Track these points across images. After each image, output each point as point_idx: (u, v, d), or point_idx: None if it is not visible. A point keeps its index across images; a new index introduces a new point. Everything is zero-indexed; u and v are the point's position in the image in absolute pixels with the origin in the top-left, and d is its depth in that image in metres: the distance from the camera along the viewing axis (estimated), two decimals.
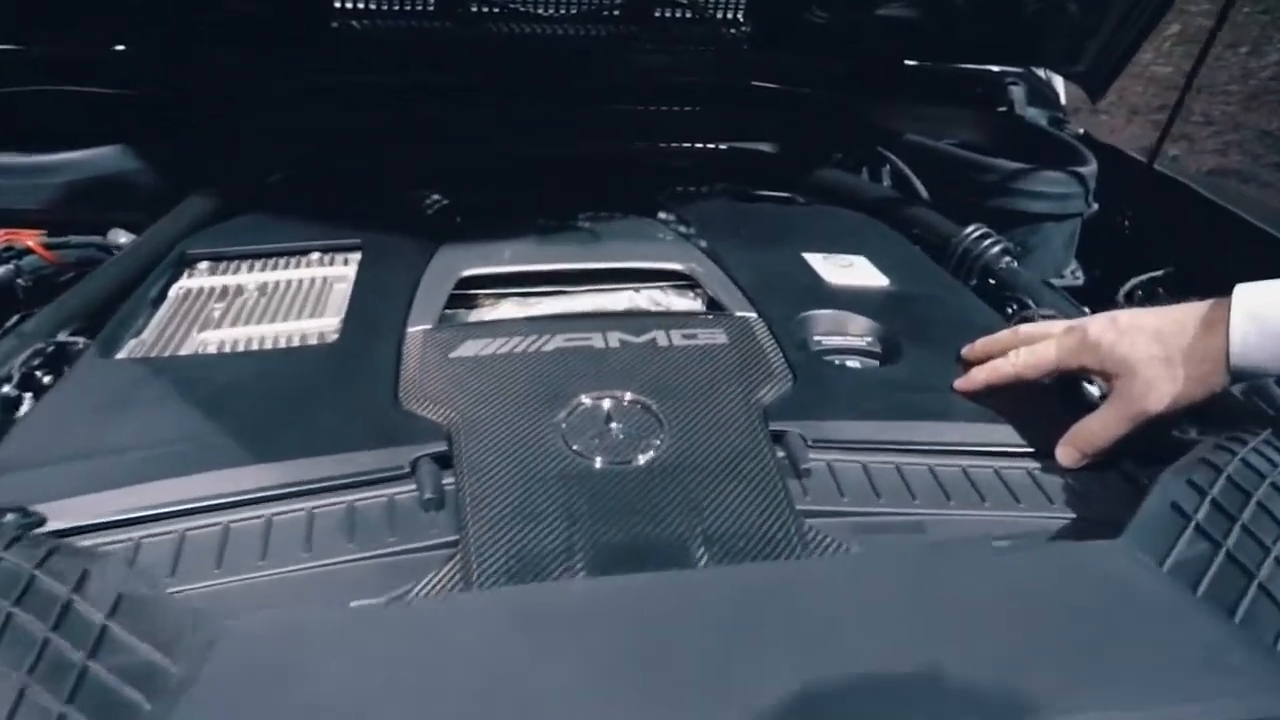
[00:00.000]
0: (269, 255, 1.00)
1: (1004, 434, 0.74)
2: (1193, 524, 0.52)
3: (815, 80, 1.50)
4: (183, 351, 0.81)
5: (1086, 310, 1.09)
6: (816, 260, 1.01)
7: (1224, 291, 0.85)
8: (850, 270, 1.00)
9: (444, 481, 0.65)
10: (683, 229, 1.10)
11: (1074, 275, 1.29)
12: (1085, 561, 0.51)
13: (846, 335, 0.87)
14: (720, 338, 0.82)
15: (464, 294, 0.94)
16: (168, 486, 0.62)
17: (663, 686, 0.43)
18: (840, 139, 1.47)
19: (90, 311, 0.90)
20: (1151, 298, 1.12)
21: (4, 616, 0.39)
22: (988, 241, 1.14)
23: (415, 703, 0.43)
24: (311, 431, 0.68)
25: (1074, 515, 0.67)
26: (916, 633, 0.45)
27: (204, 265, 0.98)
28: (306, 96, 1.31)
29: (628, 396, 0.73)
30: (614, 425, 0.70)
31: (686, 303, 0.97)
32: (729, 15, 1.41)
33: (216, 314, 0.88)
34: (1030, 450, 0.73)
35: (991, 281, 1.12)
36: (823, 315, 0.88)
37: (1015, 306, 1.06)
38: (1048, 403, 0.76)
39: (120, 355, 0.81)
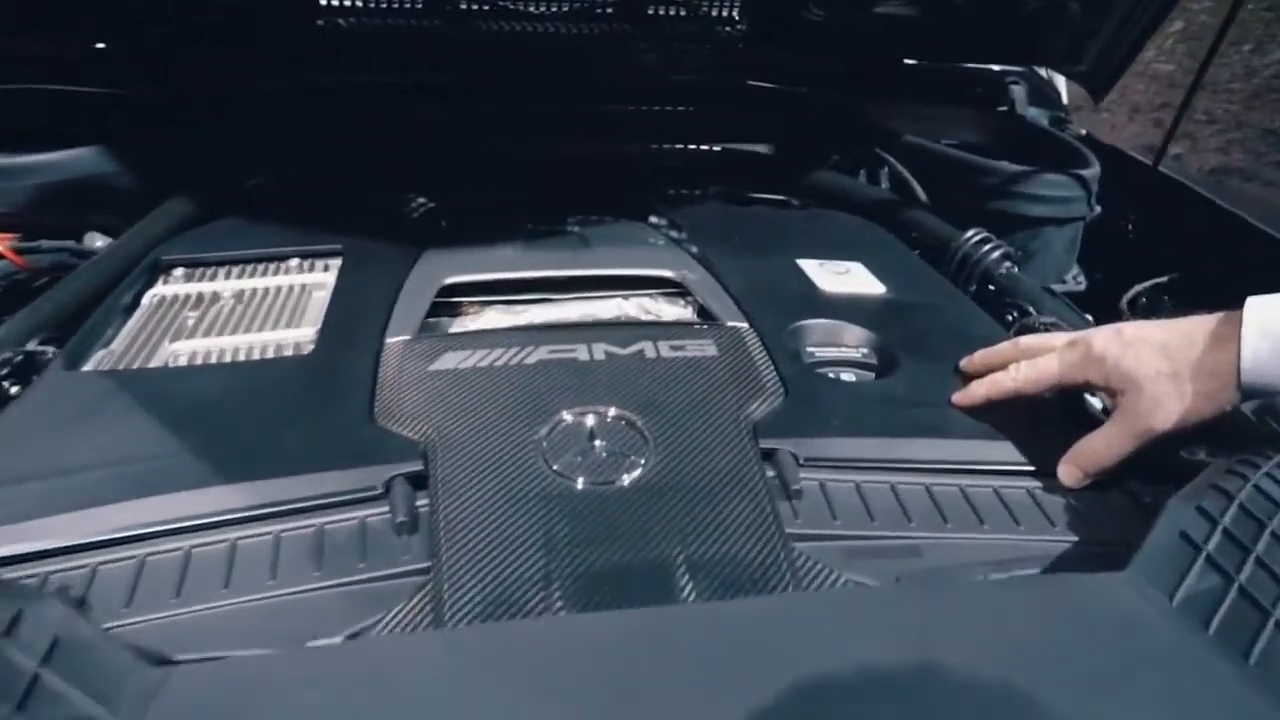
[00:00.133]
0: (247, 261, 0.97)
1: (1003, 451, 0.71)
2: (1203, 555, 0.49)
3: (812, 79, 1.46)
4: (152, 363, 0.79)
5: (1089, 318, 1.06)
6: (811, 267, 0.98)
7: (1231, 299, 0.82)
8: (846, 277, 0.97)
9: (418, 503, 0.63)
10: (674, 233, 1.07)
11: (1076, 280, 1.26)
12: (1090, 597, 0.48)
13: (841, 346, 0.84)
14: (710, 349, 0.79)
15: (447, 302, 0.91)
16: (127, 509, 0.59)
17: None
18: (837, 140, 1.44)
19: (62, 319, 0.87)
20: (1156, 305, 1.09)
21: None
22: (988, 246, 1.11)
23: None
24: (281, 450, 0.65)
25: (1076, 538, 0.64)
26: (911, 678, 0.42)
27: (179, 272, 0.95)
28: (290, 96, 1.28)
29: (611, 412, 0.70)
30: (597, 443, 0.67)
31: (677, 310, 0.94)
32: (724, 13, 1.37)
33: (190, 323, 0.85)
34: (1031, 469, 0.70)
35: (991, 288, 1.09)
36: (817, 325, 0.85)
37: (1015, 314, 1.04)
38: (1049, 419, 0.73)
39: (87, 367, 0.78)
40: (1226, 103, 4.10)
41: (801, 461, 0.68)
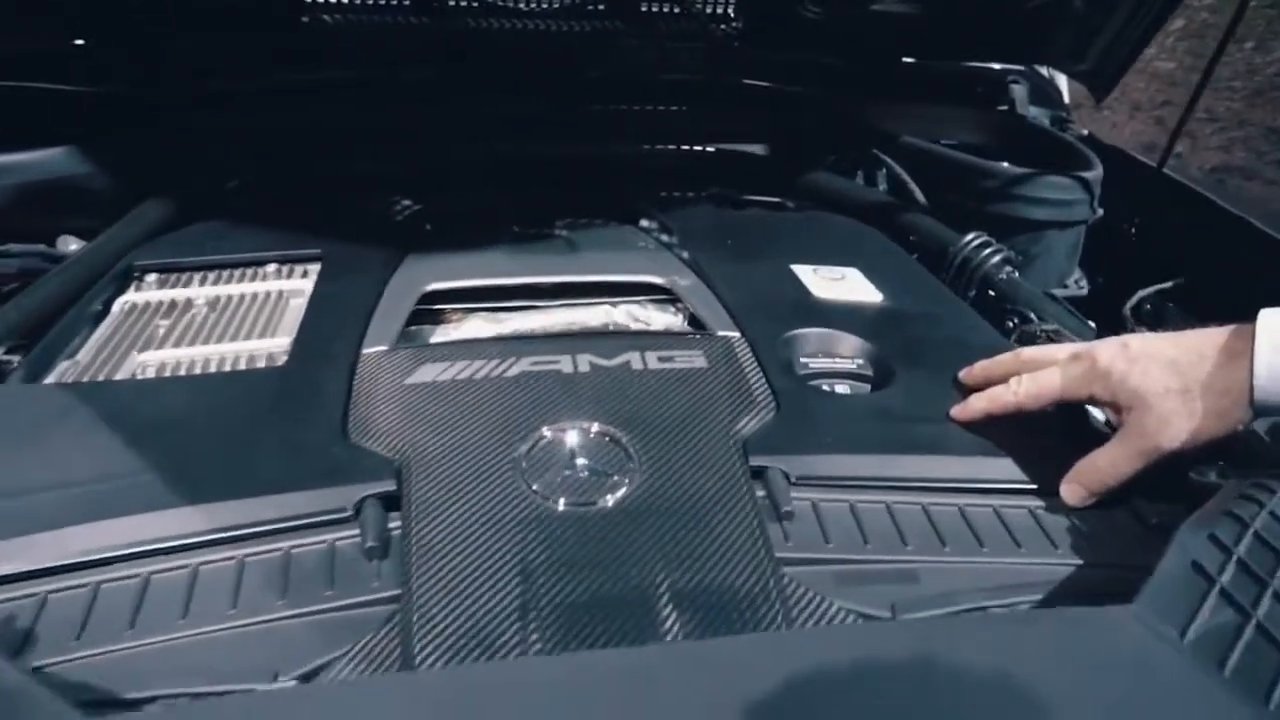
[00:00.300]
0: (223, 266, 0.94)
1: (1004, 469, 0.68)
2: (1217, 588, 0.46)
3: (808, 78, 1.43)
4: (118, 375, 0.75)
5: (1091, 325, 1.03)
6: (806, 273, 0.95)
7: (1238, 306, 0.78)
8: (841, 284, 0.94)
9: (390, 526, 0.60)
10: (665, 237, 1.04)
11: (1078, 285, 1.23)
12: (1097, 633, 0.45)
13: (835, 357, 0.81)
14: (699, 361, 0.76)
15: (429, 309, 0.88)
16: (82, 533, 0.56)
17: None
18: (834, 140, 1.40)
19: (30, 326, 0.84)
20: (1160, 312, 1.06)
21: None
22: (988, 251, 1.08)
23: None
24: (248, 468, 0.62)
25: (1080, 562, 0.61)
26: None
27: (152, 278, 0.92)
28: (273, 95, 1.24)
29: (595, 428, 0.67)
30: (579, 461, 0.64)
31: (667, 318, 0.91)
32: (719, 10, 1.34)
33: (161, 332, 0.82)
34: (1032, 487, 0.67)
35: (991, 293, 1.06)
36: (810, 335, 0.82)
37: (1016, 320, 1.01)
38: (1051, 434, 0.70)
39: (49, 379, 0.75)
40: (1228, 100, 4.07)
41: (793, 480, 0.65)
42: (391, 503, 0.61)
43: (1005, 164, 1.26)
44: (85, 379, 0.75)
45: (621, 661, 0.46)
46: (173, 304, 0.87)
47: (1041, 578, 0.60)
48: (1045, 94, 1.61)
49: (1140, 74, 4.09)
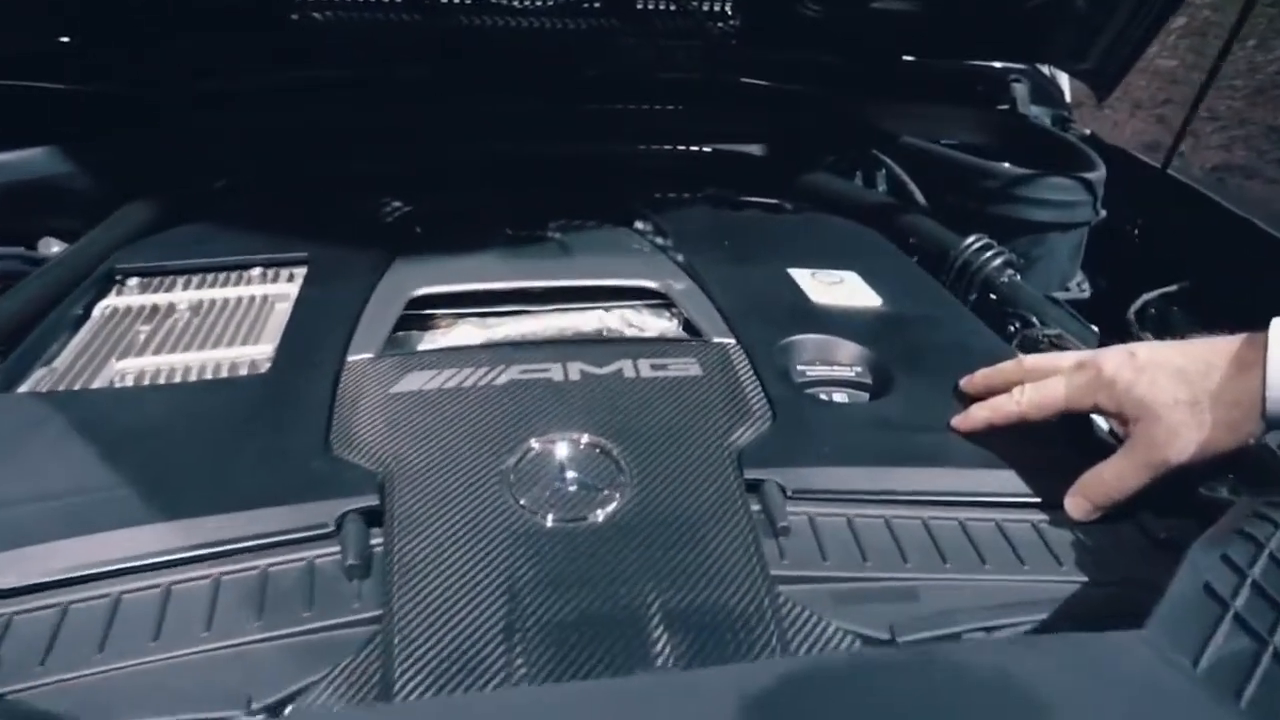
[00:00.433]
0: (207, 270, 0.91)
1: (1006, 482, 0.66)
2: (1231, 613, 0.44)
3: (807, 77, 1.41)
4: (96, 383, 0.73)
5: (1094, 329, 1.01)
6: (803, 277, 0.93)
7: (1244, 310, 0.76)
8: (839, 288, 0.92)
9: (372, 543, 0.58)
10: (660, 239, 1.02)
11: (1080, 288, 1.21)
12: (1106, 661, 0.43)
13: (833, 364, 0.79)
14: (693, 368, 0.74)
15: (417, 314, 0.86)
16: (50, 551, 0.54)
17: None
18: (833, 140, 1.38)
19: (9, 331, 0.82)
20: (1165, 316, 1.04)
21: None
22: (989, 253, 1.06)
23: None
24: (226, 483, 0.60)
25: (1085, 579, 0.59)
26: None
27: (134, 281, 0.90)
28: (261, 93, 1.22)
29: (585, 440, 0.65)
30: (569, 474, 0.62)
31: (662, 323, 0.89)
32: (716, 8, 1.32)
33: (141, 338, 0.80)
34: (1035, 501, 0.65)
35: (992, 296, 1.04)
36: (808, 341, 0.80)
37: (1017, 324, 0.99)
38: (1055, 445, 0.68)
39: (24, 387, 0.73)
40: (1229, 99, 4.05)
41: (789, 494, 0.63)
42: (374, 518, 0.59)
43: (1006, 165, 1.24)
44: (61, 387, 0.73)
45: (611, 692, 0.44)
46: (154, 309, 0.85)
47: (1045, 596, 0.58)
48: (1047, 93, 1.59)
49: (1141, 72, 4.07)
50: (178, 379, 0.74)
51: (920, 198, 1.22)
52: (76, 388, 0.73)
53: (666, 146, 1.32)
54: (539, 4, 1.28)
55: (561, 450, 0.64)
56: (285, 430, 0.66)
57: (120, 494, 0.58)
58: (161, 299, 0.86)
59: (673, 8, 1.31)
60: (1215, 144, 3.87)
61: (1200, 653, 0.43)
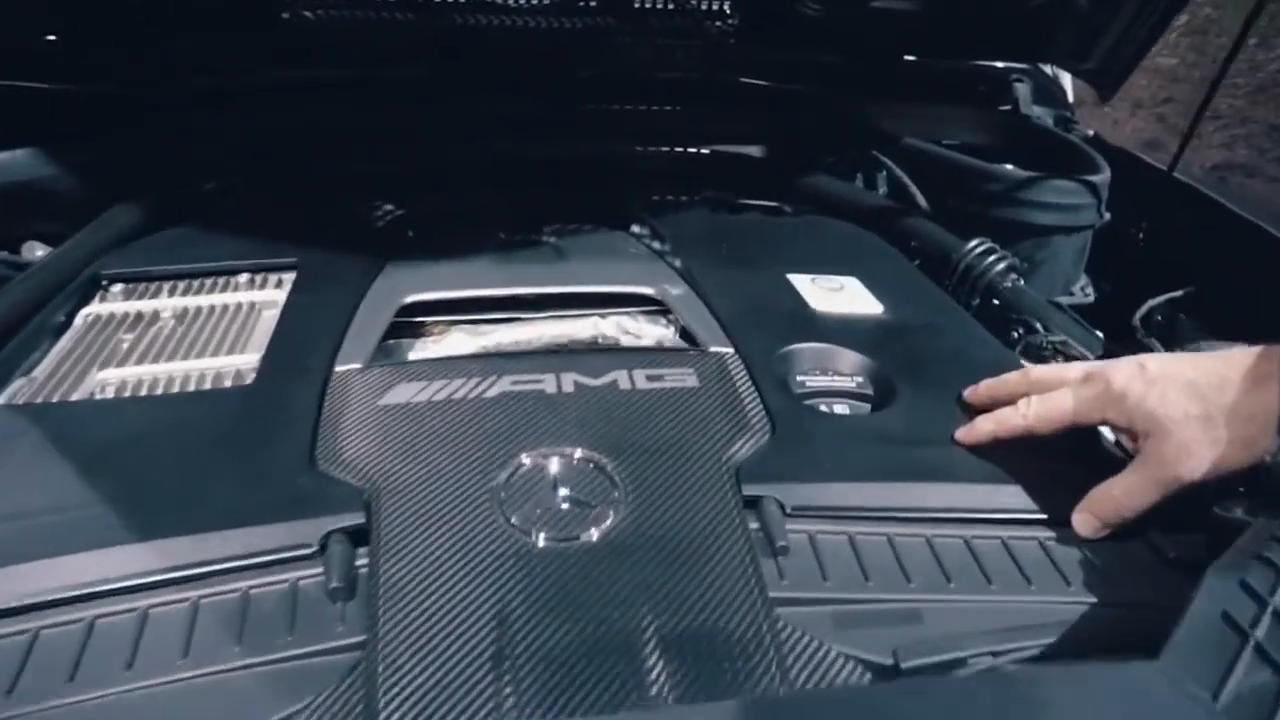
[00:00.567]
0: (194, 276, 0.89)
1: (1012, 498, 0.64)
2: (1252, 644, 0.42)
3: (807, 77, 1.39)
4: (76, 395, 0.71)
5: (1099, 334, 1.00)
6: (803, 283, 0.91)
7: (1252, 318, 0.74)
8: (840, 294, 0.90)
9: (358, 564, 0.56)
10: (657, 244, 1.00)
11: (1084, 292, 1.19)
12: (1121, 694, 0.41)
13: (834, 374, 0.77)
14: (690, 379, 0.72)
15: (408, 322, 0.84)
16: (20, 574, 0.52)
17: None
18: (833, 141, 1.36)
19: None
20: (1172, 323, 1.02)
21: None
22: (992, 258, 1.04)
23: None
24: (206, 500, 0.58)
25: (1094, 599, 0.57)
26: None
27: (119, 288, 0.88)
28: (251, 94, 1.20)
29: (578, 455, 0.63)
30: (561, 491, 0.60)
31: (658, 330, 0.87)
32: (714, 7, 1.30)
33: (124, 347, 0.78)
34: (1042, 517, 0.63)
35: (995, 302, 1.02)
36: (807, 350, 0.78)
37: (1021, 330, 0.98)
38: (1062, 459, 0.67)
39: (1, 398, 0.71)
40: (1230, 98, 4.02)
41: (789, 511, 0.61)
42: (360, 537, 0.57)
43: (1009, 166, 1.22)
44: (40, 398, 0.71)
45: None
46: (139, 316, 0.83)
47: (1053, 618, 0.56)
48: (1049, 93, 1.57)
49: (1142, 70, 4.02)
50: (160, 390, 0.72)
51: (921, 200, 1.20)
52: (56, 399, 0.70)
53: (664, 148, 1.29)
54: (534, 3, 1.26)
55: (554, 466, 0.62)
56: (269, 445, 0.64)
57: (95, 513, 0.56)
58: (146, 306, 0.84)
59: (670, 6, 1.29)
60: (1217, 143, 3.84)
61: (1220, 686, 0.41)
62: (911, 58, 1.41)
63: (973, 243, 1.05)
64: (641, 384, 0.71)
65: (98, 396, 0.71)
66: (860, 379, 0.77)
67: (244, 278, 0.89)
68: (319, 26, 1.22)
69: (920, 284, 0.98)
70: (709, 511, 0.59)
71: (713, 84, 1.36)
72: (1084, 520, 0.61)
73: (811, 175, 1.24)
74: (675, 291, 0.87)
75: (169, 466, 0.61)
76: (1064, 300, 1.17)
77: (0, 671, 0.48)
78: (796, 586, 0.56)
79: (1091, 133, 1.43)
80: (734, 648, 0.51)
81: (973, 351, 0.83)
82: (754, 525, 0.60)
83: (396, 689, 0.47)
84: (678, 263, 0.94)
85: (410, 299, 0.83)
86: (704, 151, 1.31)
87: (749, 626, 0.52)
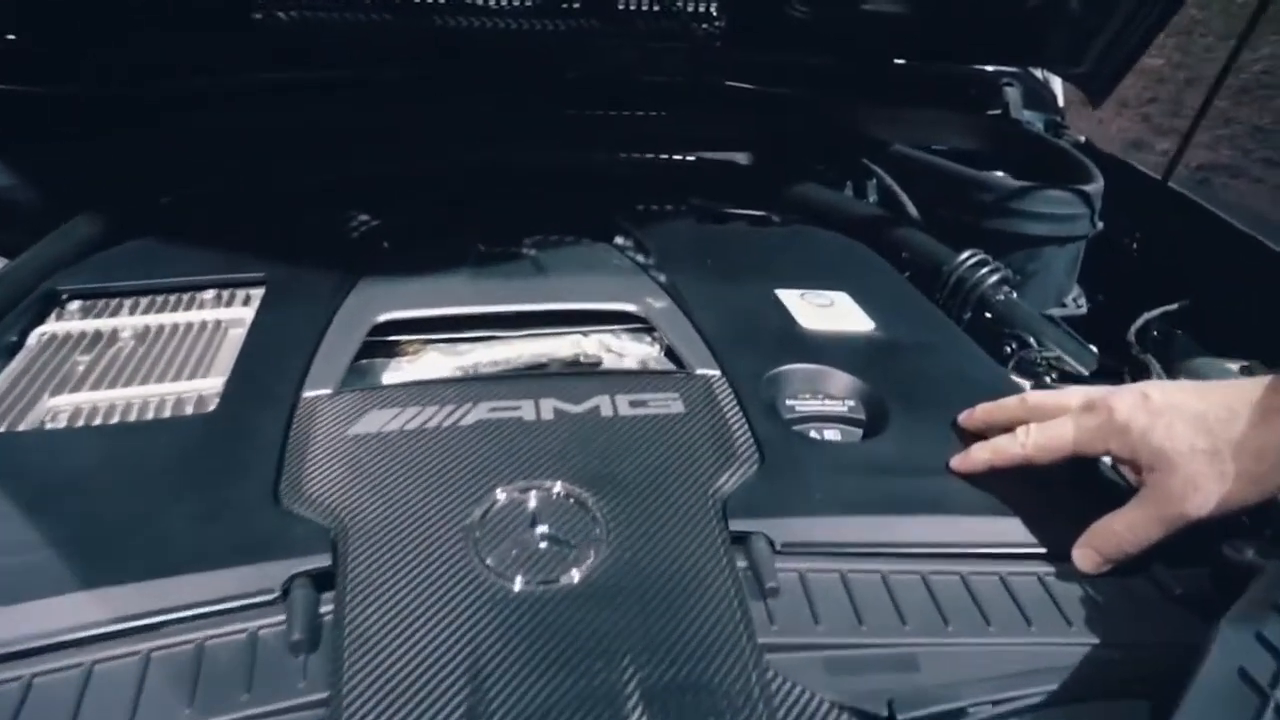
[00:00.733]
0: (155, 292, 0.85)
1: (1010, 531, 0.61)
2: (1271, 705, 0.40)
3: (795, 80, 1.36)
4: (23, 424, 0.67)
5: (1093, 349, 0.97)
6: (792, 299, 0.88)
7: (1248, 332, 0.72)
8: (830, 311, 0.87)
9: (322, 611, 0.52)
10: (641, 257, 0.97)
11: (1076, 303, 1.17)
12: None
13: (824, 397, 0.74)
14: (676, 405, 0.69)
15: (381, 341, 0.80)
16: None
17: None
18: (822, 146, 1.33)
19: None
20: (1168, 338, 1.00)
21: None
22: (984, 270, 1.02)
23: None
24: (161, 543, 0.55)
25: (1096, 641, 0.55)
26: None
27: (76, 305, 0.84)
28: (220, 97, 1.16)
29: (558, 489, 0.60)
30: (539, 529, 0.57)
31: (642, 349, 0.84)
32: (701, 9, 1.27)
33: (80, 370, 0.74)
34: (1041, 551, 0.61)
35: (988, 315, 1.00)
36: (797, 372, 0.76)
37: (1014, 345, 0.95)
38: (1062, 489, 0.64)
39: None
40: (1215, 99, 4.04)
41: (778, 548, 0.58)
42: (325, 581, 0.54)
43: (1001, 174, 1.20)
44: None
45: None
46: (96, 335, 0.79)
47: (1055, 662, 0.54)
48: (1039, 97, 1.55)
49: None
50: (116, 418, 0.68)
51: (912, 209, 1.18)
52: (2, 429, 0.66)
53: (649, 155, 1.26)
54: (516, 4, 1.22)
55: (532, 501, 0.59)
56: (229, 480, 0.60)
57: (38, 558, 0.53)
58: (105, 324, 0.80)
59: (656, 9, 1.25)
60: (1201, 143, 3.85)
61: None
62: (901, 61, 1.38)
63: (964, 254, 1.03)
64: (624, 410, 0.68)
65: (47, 426, 0.67)
66: (851, 402, 0.74)
67: (210, 294, 0.85)
68: (293, 28, 1.17)
69: (912, 299, 0.95)
70: (695, 550, 0.56)
71: (699, 87, 1.33)
72: (1085, 555, 0.59)
73: (800, 183, 1.22)
74: (660, 308, 0.84)
75: (120, 505, 0.57)
76: (1056, 312, 1.15)
77: None
78: (787, 631, 0.53)
79: (1083, 139, 1.41)
80: (721, 700, 0.48)
81: (967, 371, 0.80)
82: (742, 564, 0.57)
83: None
84: (663, 277, 0.91)
85: (384, 317, 0.80)
86: (690, 159, 1.28)
87: (737, 676, 0.49)
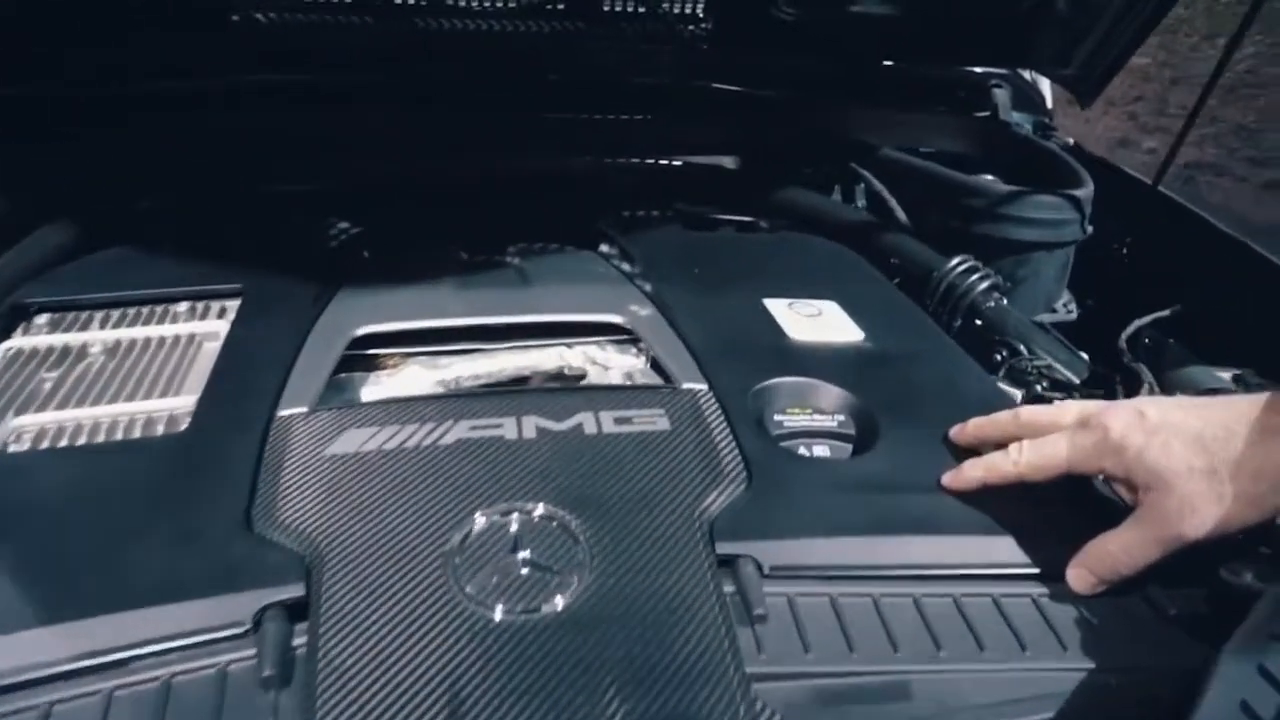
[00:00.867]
0: (127, 304, 0.83)
1: (1003, 551, 0.60)
2: None
3: (782, 82, 1.35)
4: None
5: (1084, 356, 0.96)
6: (779, 308, 0.86)
7: (1238, 340, 0.71)
8: (819, 320, 0.85)
9: (295, 644, 0.50)
10: (626, 265, 0.95)
11: (1066, 309, 1.16)
12: None
13: (813, 412, 0.73)
14: (661, 422, 0.67)
15: (360, 354, 0.78)
16: None
17: None
18: (809, 149, 1.32)
19: None
20: (1160, 346, 0.99)
21: None
22: (974, 276, 1.01)
23: None
24: (127, 573, 0.53)
25: (1092, 665, 0.54)
26: None
27: (44, 318, 0.81)
28: (195, 101, 1.13)
29: (539, 511, 0.58)
30: (521, 555, 0.55)
31: (628, 360, 0.83)
32: (687, 10, 1.25)
33: (46, 387, 0.71)
34: (1034, 571, 0.59)
35: (978, 322, 0.99)
36: (785, 386, 0.74)
37: (1004, 353, 0.94)
38: (1056, 507, 0.63)
39: None
40: (1205, 101, 4.05)
41: (767, 571, 0.57)
42: (299, 611, 0.52)
43: (990, 178, 1.19)
44: None
45: None
46: (65, 350, 0.76)
47: (1049, 688, 0.52)
48: (1027, 98, 1.54)
49: None
50: (83, 439, 0.66)
51: (901, 214, 1.16)
52: None
53: (635, 159, 1.24)
54: (498, 6, 1.20)
55: (513, 524, 0.57)
56: (200, 504, 0.58)
57: None
58: (74, 339, 0.78)
59: (641, 10, 1.23)
60: (1187, 141, 3.85)
61: None
62: (889, 63, 1.37)
63: (954, 260, 1.02)
64: (609, 427, 0.66)
65: (10, 448, 0.65)
66: (841, 417, 0.72)
67: (183, 306, 0.83)
68: (271, 30, 1.15)
69: (902, 307, 0.94)
70: (681, 575, 0.55)
71: (685, 90, 1.31)
72: (1079, 576, 0.58)
73: (788, 188, 1.20)
74: (646, 320, 0.82)
75: (83, 533, 0.55)
76: (1046, 318, 1.14)
77: None
78: (775, 660, 0.52)
79: (1071, 141, 1.40)
80: None
81: (958, 383, 0.79)
82: (730, 588, 0.55)
83: None
84: (648, 286, 0.89)
85: (363, 330, 0.78)
86: (676, 163, 1.26)
87: (724, 709, 0.48)
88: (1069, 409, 0.63)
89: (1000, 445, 0.65)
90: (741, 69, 1.33)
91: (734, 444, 0.66)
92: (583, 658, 0.50)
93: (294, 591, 0.52)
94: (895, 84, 1.39)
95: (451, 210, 1.10)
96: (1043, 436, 0.62)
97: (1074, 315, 1.16)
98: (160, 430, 0.67)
